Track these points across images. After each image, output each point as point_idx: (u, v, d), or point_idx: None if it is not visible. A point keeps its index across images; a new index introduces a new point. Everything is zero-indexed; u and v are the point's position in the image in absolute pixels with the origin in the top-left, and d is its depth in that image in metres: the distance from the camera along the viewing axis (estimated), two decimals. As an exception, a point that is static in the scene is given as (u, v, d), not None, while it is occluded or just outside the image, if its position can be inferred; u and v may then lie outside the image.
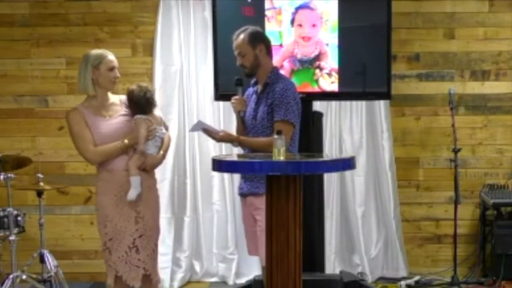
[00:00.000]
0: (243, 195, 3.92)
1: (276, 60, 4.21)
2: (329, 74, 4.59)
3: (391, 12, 4.63)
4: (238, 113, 3.99)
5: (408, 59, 5.57)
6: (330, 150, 5.40)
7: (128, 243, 3.64)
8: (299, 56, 4.58)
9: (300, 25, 4.58)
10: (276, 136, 2.96)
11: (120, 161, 3.66)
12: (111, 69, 3.69)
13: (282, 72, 4.22)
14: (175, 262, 5.51)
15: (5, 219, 4.69)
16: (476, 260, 5.49)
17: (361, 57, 4.66)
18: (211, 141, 5.11)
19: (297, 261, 3.03)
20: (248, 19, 4.40)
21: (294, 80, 4.33)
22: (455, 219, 5.21)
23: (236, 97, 3.98)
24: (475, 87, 5.59)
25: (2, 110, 5.58)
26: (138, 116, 3.69)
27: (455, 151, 5.18)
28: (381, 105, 5.48)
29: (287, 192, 2.99)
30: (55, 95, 5.55)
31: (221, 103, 5.33)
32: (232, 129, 4.25)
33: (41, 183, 4.79)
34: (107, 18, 5.53)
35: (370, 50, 4.65)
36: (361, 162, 5.42)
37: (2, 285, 4.53)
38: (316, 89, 4.60)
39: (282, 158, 2.94)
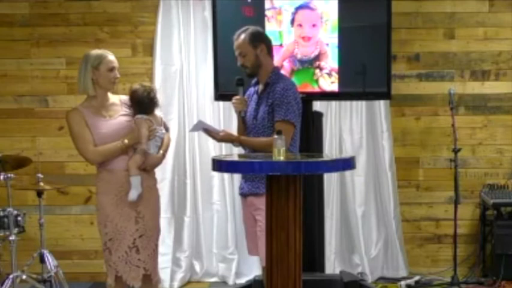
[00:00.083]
0: (243, 195, 3.92)
1: (276, 60, 4.20)
2: (329, 74, 4.59)
3: (391, 12, 4.62)
4: (239, 113, 3.99)
5: (408, 59, 5.57)
6: (330, 150, 5.40)
7: (128, 243, 3.64)
8: (299, 56, 4.58)
9: (300, 25, 4.58)
10: (276, 136, 2.97)
11: (120, 161, 3.66)
12: (111, 69, 3.69)
13: (282, 72, 4.22)
14: (175, 262, 5.50)
15: (5, 219, 4.69)
16: (476, 260, 5.49)
17: (361, 57, 4.65)
18: (211, 141, 5.12)
19: (297, 261, 3.03)
20: (248, 19, 4.40)
21: (294, 80, 4.32)
22: (455, 219, 5.21)
23: (237, 97, 3.98)
24: (475, 87, 5.59)
25: (2, 110, 5.58)
26: (138, 116, 3.70)
27: (455, 151, 5.18)
28: (381, 105, 5.48)
29: (287, 192, 2.99)
30: (55, 95, 5.55)
31: (221, 103, 5.33)
32: (233, 129, 4.25)
33: (41, 183, 4.78)
34: (107, 18, 5.53)
35: (370, 50, 4.65)
36: (361, 162, 5.42)
37: (2, 285, 4.53)
38: (316, 89, 4.60)
39: (282, 158, 2.94)
